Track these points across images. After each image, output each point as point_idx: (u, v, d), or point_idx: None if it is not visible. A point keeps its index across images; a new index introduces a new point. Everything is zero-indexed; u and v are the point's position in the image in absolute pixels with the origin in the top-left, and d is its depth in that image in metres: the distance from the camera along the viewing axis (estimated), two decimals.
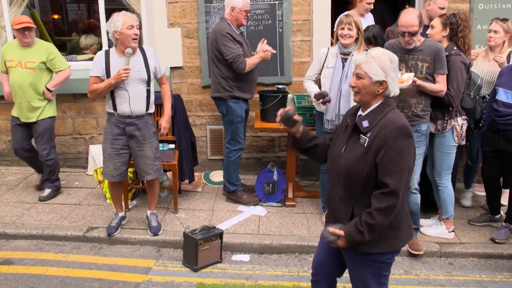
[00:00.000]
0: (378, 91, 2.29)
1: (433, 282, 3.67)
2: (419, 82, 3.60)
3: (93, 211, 4.64)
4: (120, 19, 3.69)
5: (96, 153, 5.48)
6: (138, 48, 3.89)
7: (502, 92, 3.91)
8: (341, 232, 2.26)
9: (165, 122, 4.04)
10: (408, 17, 3.58)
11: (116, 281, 3.61)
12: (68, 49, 6.63)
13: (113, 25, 3.71)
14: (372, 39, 4.22)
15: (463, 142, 3.99)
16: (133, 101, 3.84)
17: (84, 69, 5.46)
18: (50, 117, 4.83)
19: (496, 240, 4.08)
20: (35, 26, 4.72)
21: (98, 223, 4.38)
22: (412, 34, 3.59)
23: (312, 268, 2.76)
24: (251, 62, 4.42)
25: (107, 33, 3.78)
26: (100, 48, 5.81)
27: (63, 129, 5.63)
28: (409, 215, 2.43)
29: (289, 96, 4.89)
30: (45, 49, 4.75)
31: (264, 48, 4.46)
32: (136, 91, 3.84)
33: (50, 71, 4.82)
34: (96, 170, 4.92)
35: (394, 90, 2.31)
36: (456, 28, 3.85)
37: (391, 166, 2.19)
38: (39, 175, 5.13)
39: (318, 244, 2.74)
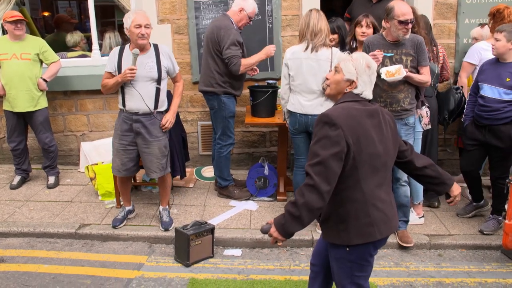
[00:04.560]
0: (347, 89, 2.38)
1: (423, 273, 3.72)
2: (408, 73, 3.67)
3: (85, 208, 4.64)
4: (131, 17, 3.76)
5: (87, 150, 5.48)
6: (152, 46, 3.94)
7: (488, 88, 3.95)
8: (271, 220, 2.33)
9: (170, 115, 4.06)
10: (404, 6, 3.67)
11: (108, 277, 3.62)
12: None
13: (125, 22, 3.79)
14: (336, 29, 4.50)
15: (430, 127, 4.10)
16: (141, 99, 3.87)
17: (74, 66, 5.48)
18: (46, 107, 5.04)
19: (485, 232, 4.14)
20: (26, 20, 4.88)
21: (90, 220, 4.39)
22: (412, 21, 3.66)
23: (311, 257, 2.82)
24: (247, 62, 4.46)
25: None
26: (90, 44, 5.81)
27: (54, 126, 5.60)
28: (365, 213, 2.34)
29: (279, 91, 4.91)
30: (37, 42, 4.95)
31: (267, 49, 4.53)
32: (145, 89, 3.88)
33: (41, 63, 4.98)
34: (87, 167, 4.92)
35: (365, 93, 2.38)
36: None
37: (310, 153, 2.25)
38: (17, 176, 5.19)
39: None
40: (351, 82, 2.37)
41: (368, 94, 2.39)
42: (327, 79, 2.48)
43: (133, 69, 3.75)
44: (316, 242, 2.83)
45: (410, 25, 3.65)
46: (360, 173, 2.28)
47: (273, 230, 2.29)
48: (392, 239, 4.08)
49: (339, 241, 2.38)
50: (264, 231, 2.34)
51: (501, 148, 3.98)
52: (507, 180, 3.80)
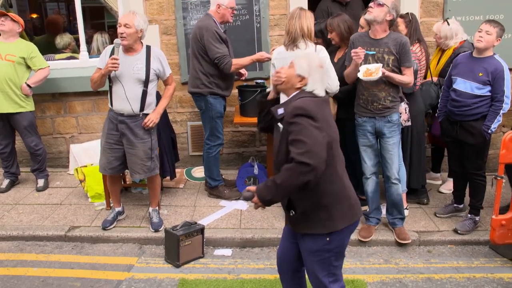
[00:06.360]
0: (297, 85, 2.47)
1: (412, 270, 3.74)
2: (387, 73, 3.67)
3: (75, 210, 4.62)
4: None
5: (76, 152, 5.47)
6: (144, 48, 3.92)
7: (461, 82, 3.93)
8: (254, 188, 2.41)
9: (153, 115, 3.99)
10: None
11: (98, 279, 3.61)
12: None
13: None
14: (319, 33, 4.44)
15: (409, 123, 4.13)
16: (126, 100, 3.85)
17: (61, 68, 5.45)
18: (31, 111, 4.97)
19: (459, 232, 4.13)
20: (9, 15, 4.81)
21: (80, 222, 4.38)
22: (378, 4, 3.64)
23: (276, 259, 2.85)
24: (239, 62, 4.44)
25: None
26: (78, 46, 5.79)
27: (43, 129, 5.58)
28: (345, 197, 2.48)
29: (268, 90, 4.91)
30: (26, 47, 4.90)
31: (261, 54, 4.52)
32: (132, 91, 3.86)
33: (28, 68, 4.92)
34: (77, 169, 4.90)
35: (316, 91, 2.47)
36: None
37: (296, 141, 2.28)
38: (6, 179, 5.16)
39: (281, 238, 2.83)
40: (302, 78, 2.46)
41: (321, 92, 2.49)
42: (277, 72, 2.55)
43: (114, 59, 3.69)
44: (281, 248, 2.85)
45: (374, 4, 3.65)
46: (335, 162, 2.41)
47: (256, 198, 2.40)
48: (383, 236, 4.11)
49: (325, 230, 2.43)
50: (247, 197, 2.43)
51: (474, 144, 3.97)
52: (493, 176, 3.79)
